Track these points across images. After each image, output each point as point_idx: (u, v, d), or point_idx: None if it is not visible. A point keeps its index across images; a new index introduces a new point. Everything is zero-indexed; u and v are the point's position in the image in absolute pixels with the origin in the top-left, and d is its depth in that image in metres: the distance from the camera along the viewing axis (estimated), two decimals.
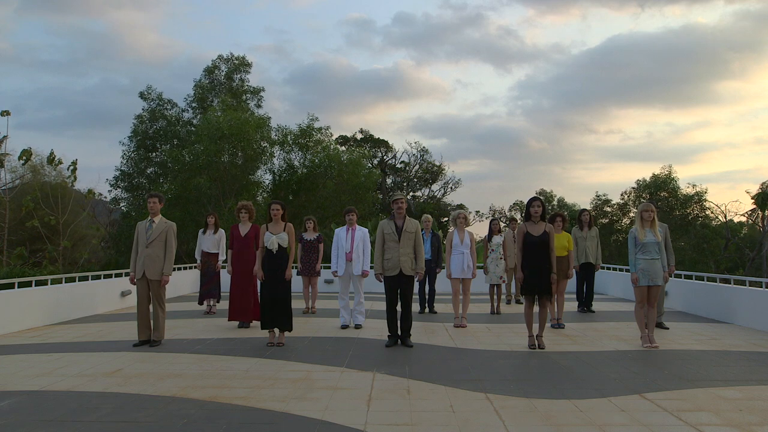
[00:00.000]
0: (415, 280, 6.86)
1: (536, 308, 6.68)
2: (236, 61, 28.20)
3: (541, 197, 7.85)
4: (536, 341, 6.63)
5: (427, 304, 9.95)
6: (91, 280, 10.35)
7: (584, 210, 10.22)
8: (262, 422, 3.90)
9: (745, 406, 4.25)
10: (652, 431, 3.72)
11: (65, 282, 9.68)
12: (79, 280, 10.29)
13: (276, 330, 6.88)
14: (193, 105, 28.03)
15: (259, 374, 5.29)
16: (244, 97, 27.95)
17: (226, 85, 27.96)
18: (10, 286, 8.43)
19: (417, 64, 76.80)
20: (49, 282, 9.24)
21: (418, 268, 6.81)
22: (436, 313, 9.80)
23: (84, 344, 6.88)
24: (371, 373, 5.31)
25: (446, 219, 35.01)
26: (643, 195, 30.68)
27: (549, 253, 6.49)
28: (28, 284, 8.85)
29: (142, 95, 26.98)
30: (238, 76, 28.36)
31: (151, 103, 27.03)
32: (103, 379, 5.12)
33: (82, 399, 4.46)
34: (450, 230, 8.71)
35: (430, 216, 10.03)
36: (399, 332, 6.83)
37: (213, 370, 5.46)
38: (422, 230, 9.27)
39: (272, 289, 6.62)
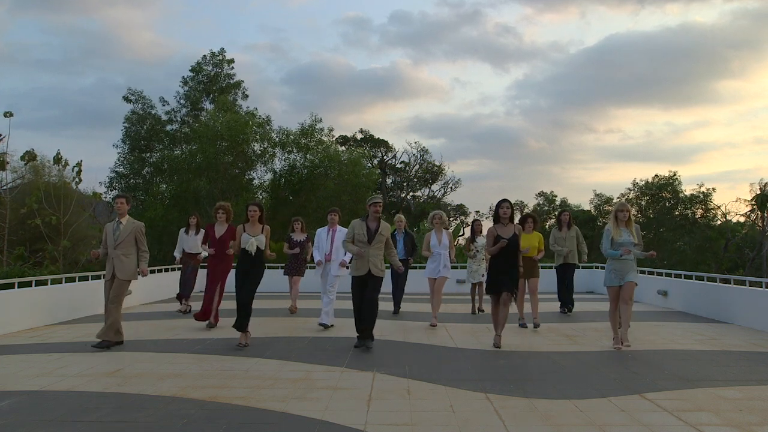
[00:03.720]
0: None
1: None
2: (219, 58, 28.22)
3: (509, 200, 7.87)
4: (496, 340, 6.68)
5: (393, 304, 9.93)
6: (91, 280, 10.35)
7: (563, 210, 10.27)
8: (262, 422, 3.90)
9: (745, 406, 4.25)
10: (652, 431, 3.72)
11: (65, 282, 9.68)
12: (79, 280, 10.29)
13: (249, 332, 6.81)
14: (183, 103, 27.99)
15: (259, 374, 5.29)
16: (230, 92, 27.97)
17: (213, 83, 27.92)
18: (10, 286, 8.43)
19: (414, 63, 76.53)
20: (49, 282, 9.24)
21: (395, 265, 6.83)
22: (398, 313, 9.61)
23: (84, 344, 6.87)
24: (371, 373, 5.31)
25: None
26: (645, 197, 30.69)
27: (517, 254, 6.67)
28: (28, 284, 8.84)
29: (125, 98, 26.94)
30: (224, 72, 28.35)
31: (136, 105, 27.01)
32: (103, 379, 5.12)
33: (82, 399, 4.46)
34: (428, 231, 8.74)
35: (402, 216, 10.04)
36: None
37: (213, 370, 5.46)
38: (395, 230, 9.39)
39: (242, 291, 6.63)
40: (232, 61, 28.46)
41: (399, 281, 9.74)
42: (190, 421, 3.92)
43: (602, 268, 14.22)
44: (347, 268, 7.68)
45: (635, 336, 7.27)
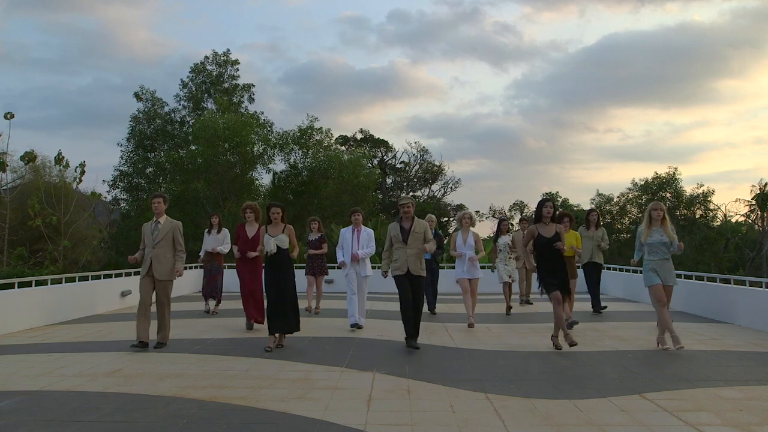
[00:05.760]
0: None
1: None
2: (223, 58, 28.22)
3: (551, 199, 8.06)
4: (567, 339, 6.65)
5: (427, 305, 9.94)
6: (91, 280, 10.35)
7: (592, 210, 10.30)
8: (262, 422, 3.90)
9: (745, 406, 4.25)
10: (652, 431, 3.72)
11: (65, 282, 9.69)
12: (79, 280, 10.29)
13: (277, 334, 6.80)
14: (185, 104, 28.03)
15: (259, 374, 5.29)
16: (236, 94, 27.96)
17: (216, 83, 27.95)
18: (10, 286, 8.44)
19: (413, 62, 76.39)
20: (49, 282, 9.24)
21: (426, 248, 6.82)
22: (435, 314, 9.78)
23: (84, 344, 6.89)
24: (371, 373, 5.31)
25: (446, 219, 34.98)
26: (645, 195, 30.65)
27: (562, 252, 6.56)
28: (28, 284, 8.85)
29: (136, 95, 26.97)
30: (227, 72, 28.37)
31: (146, 103, 27.01)
32: (103, 379, 5.12)
33: (82, 399, 4.46)
34: (455, 231, 8.73)
35: (433, 216, 10.03)
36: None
37: (213, 370, 5.46)
38: None
39: (279, 292, 6.55)
40: (237, 62, 28.48)
41: (432, 278, 9.70)
42: (190, 421, 3.92)
43: (609, 268, 14.22)
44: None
45: (635, 335, 7.27)
